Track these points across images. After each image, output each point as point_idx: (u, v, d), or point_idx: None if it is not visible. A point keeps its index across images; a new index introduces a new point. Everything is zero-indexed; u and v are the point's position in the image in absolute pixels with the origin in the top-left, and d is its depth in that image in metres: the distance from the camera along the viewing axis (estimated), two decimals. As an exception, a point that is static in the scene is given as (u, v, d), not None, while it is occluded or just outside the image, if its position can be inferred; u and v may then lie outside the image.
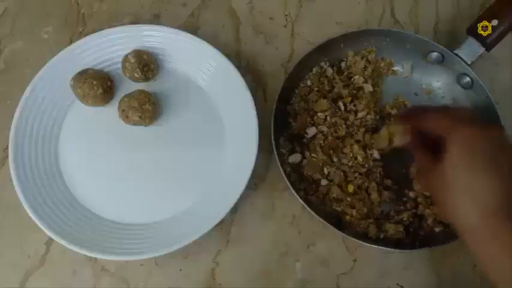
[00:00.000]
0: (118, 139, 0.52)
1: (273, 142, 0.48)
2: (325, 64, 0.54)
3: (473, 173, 0.33)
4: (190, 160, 0.51)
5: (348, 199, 0.48)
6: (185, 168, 0.50)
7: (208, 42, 0.53)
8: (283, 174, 0.47)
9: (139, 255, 0.46)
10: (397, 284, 0.48)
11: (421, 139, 0.39)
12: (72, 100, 0.52)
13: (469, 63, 0.50)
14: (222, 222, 0.46)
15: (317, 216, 0.45)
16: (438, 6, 0.59)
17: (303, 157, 0.50)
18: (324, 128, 0.51)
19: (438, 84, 0.54)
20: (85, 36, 0.53)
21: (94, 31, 0.54)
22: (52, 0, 0.58)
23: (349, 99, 0.52)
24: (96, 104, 0.51)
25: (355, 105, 0.52)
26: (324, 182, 0.49)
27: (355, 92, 0.53)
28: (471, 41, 0.50)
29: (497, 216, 0.32)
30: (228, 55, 0.52)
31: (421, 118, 0.39)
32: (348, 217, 0.48)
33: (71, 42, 0.55)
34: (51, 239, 0.48)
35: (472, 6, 0.59)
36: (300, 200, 0.46)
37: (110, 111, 0.52)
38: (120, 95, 0.51)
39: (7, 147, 0.49)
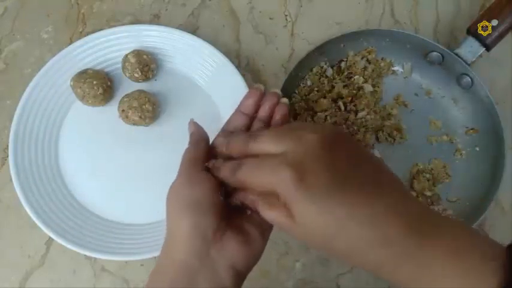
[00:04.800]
0: (118, 139, 0.52)
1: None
2: (325, 64, 0.54)
3: (347, 207, 0.26)
4: (190, 160, 0.51)
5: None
6: (185, 168, 0.50)
7: (208, 42, 0.53)
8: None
9: (139, 255, 0.46)
10: (397, 284, 0.48)
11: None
12: (72, 100, 0.52)
13: (469, 63, 0.50)
14: (222, 222, 0.46)
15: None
16: (438, 6, 0.59)
17: (303, 157, 0.50)
18: (324, 128, 0.51)
19: (438, 84, 0.54)
20: (85, 36, 0.53)
21: (94, 31, 0.54)
22: (52, 0, 0.58)
23: (349, 99, 0.52)
24: (96, 104, 0.51)
25: (355, 105, 0.52)
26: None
27: (355, 92, 0.53)
28: (471, 41, 0.50)
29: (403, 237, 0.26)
30: (228, 55, 0.53)
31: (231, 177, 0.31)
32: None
33: (71, 42, 0.55)
34: (51, 239, 0.48)
35: (472, 6, 0.59)
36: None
37: (110, 111, 0.52)
38: (120, 95, 0.51)
39: (7, 147, 0.49)
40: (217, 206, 0.31)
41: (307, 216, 0.27)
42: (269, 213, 0.29)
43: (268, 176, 0.28)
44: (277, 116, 0.36)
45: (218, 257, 0.30)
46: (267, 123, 0.37)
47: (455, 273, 0.25)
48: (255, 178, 0.29)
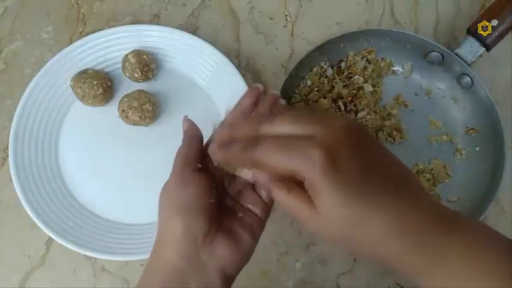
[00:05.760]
0: (118, 139, 0.52)
1: (273, 142, 0.48)
2: (325, 64, 0.54)
3: (367, 200, 0.26)
4: (190, 160, 0.51)
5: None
6: (185, 168, 0.50)
7: (208, 42, 0.53)
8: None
9: (139, 255, 0.46)
10: (397, 284, 0.48)
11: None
12: (72, 100, 0.52)
13: (469, 63, 0.50)
14: (222, 222, 0.46)
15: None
16: (438, 6, 0.59)
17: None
18: (324, 128, 0.51)
19: (438, 84, 0.54)
20: (85, 36, 0.53)
21: (94, 31, 0.54)
22: (52, 0, 0.58)
23: (349, 99, 0.52)
24: (96, 104, 0.51)
25: (355, 105, 0.52)
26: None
27: (355, 92, 0.53)
28: (471, 41, 0.50)
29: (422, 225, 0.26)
30: (228, 55, 0.53)
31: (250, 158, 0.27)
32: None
33: (71, 42, 0.55)
34: (51, 239, 0.48)
35: (472, 6, 0.59)
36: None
37: (110, 111, 0.52)
38: (120, 95, 0.51)
39: (7, 147, 0.49)
40: (209, 209, 0.31)
41: (331, 203, 0.25)
42: (286, 197, 0.27)
43: (296, 157, 0.26)
44: None
45: (208, 259, 0.30)
46: None
47: (473, 267, 0.25)
48: (278, 158, 0.26)
